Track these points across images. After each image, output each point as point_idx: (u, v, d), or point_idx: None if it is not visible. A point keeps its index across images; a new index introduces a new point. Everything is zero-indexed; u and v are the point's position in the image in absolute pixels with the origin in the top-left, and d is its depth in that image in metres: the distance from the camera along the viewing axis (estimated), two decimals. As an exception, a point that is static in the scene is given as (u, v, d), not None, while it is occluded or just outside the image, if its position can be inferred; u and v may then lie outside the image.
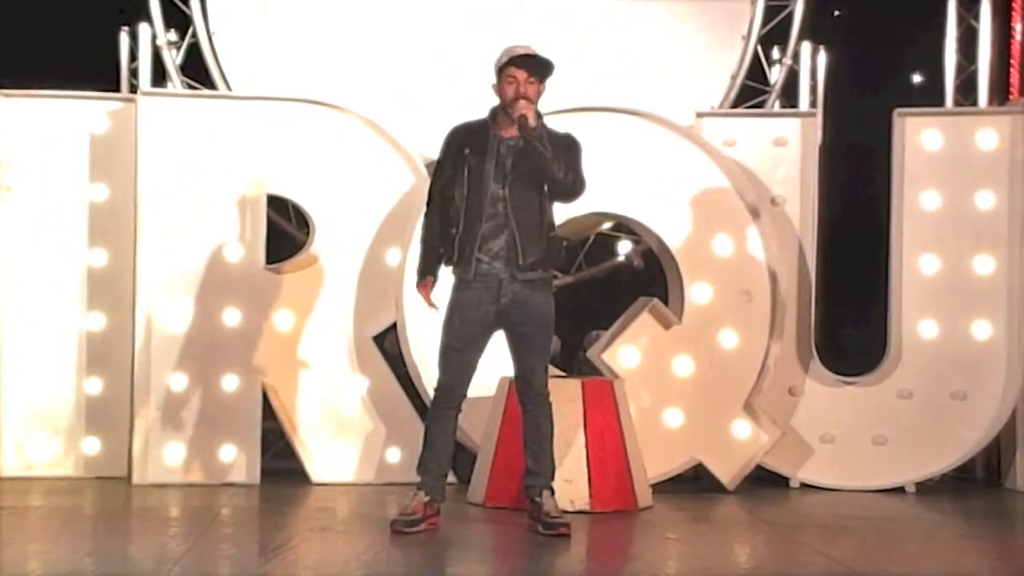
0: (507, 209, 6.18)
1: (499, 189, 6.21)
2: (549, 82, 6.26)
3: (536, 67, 6.21)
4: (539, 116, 6.26)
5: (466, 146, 6.27)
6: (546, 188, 6.24)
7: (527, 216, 6.20)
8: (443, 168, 6.35)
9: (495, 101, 6.30)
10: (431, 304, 6.32)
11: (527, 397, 6.33)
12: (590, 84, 7.93)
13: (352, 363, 7.47)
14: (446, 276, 6.36)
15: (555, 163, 6.18)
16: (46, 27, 9.66)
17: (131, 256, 7.37)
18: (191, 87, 8.42)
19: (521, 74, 6.19)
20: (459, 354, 6.26)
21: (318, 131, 7.49)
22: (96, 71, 8.39)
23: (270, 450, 7.52)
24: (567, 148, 6.28)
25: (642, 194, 7.49)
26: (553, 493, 6.31)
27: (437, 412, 6.33)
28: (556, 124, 6.48)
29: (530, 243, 6.21)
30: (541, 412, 6.32)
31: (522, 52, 6.20)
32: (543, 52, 6.24)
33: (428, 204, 6.40)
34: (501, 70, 6.23)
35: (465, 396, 6.31)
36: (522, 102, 6.16)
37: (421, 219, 6.49)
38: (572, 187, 6.25)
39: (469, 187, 6.22)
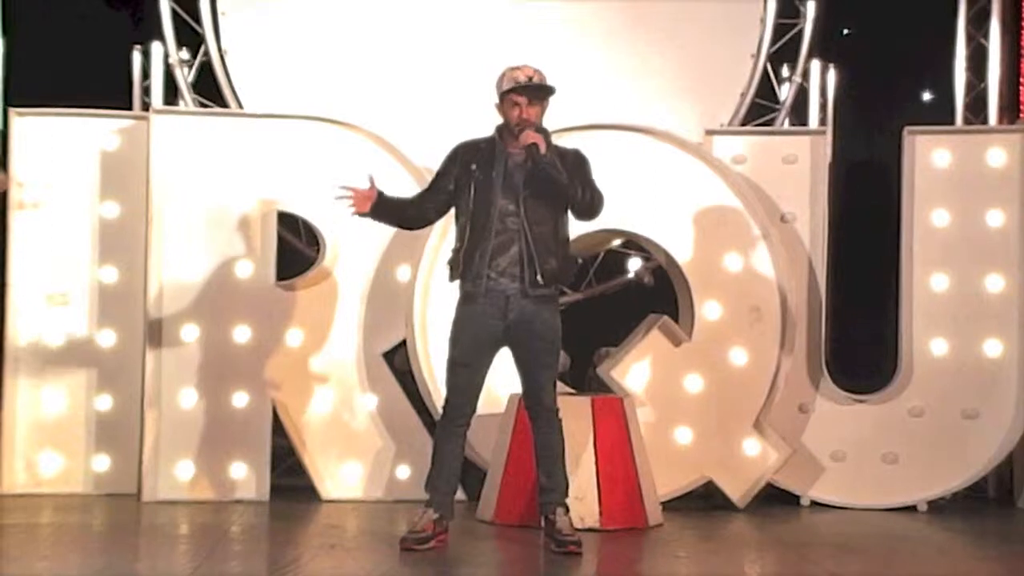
0: (520, 225, 6.20)
1: (509, 204, 6.23)
2: (555, 100, 6.28)
3: (538, 91, 6.25)
4: (545, 133, 6.27)
5: (473, 162, 6.28)
6: (568, 208, 6.25)
7: (544, 232, 6.22)
8: (439, 181, 6.37)
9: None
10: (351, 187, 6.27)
11: (537, 414, 6.33)
12: (599, 102, 7.95)
13: (362, 380, 7.47)
14: (449, 290, 6.37)
15: (571, 186, 6.22)
16: (59, 46, 9.69)
17: (142, 273, 7.39)
18: (203, 105, 8.44)
19: (523, 99, 6.23)
20: (466, 370, 6.26)
21: (328, 148, 7.49)
22: (109, 89, 8.41)
23: (280, 467, 7.52)
24: (577, 166, 6.32)
25: (652, 211, 7.48)
26: (567, 511, 6.30)
27: (445, 429, 6.33)
28: (565, 141, 6.51)
29: (545, 259, 6.22)
30: (551, 428, 6.32)
31: (524, 81, 6.22)
32: (543, 71, 6.26)
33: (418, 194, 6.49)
34: (503, 95, 6.26)
35: (474, 412, 6.31)
36: (528, 132, 6.17)
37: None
38: (592, 205, 6.29)
39: (476, 203, 6.24)
